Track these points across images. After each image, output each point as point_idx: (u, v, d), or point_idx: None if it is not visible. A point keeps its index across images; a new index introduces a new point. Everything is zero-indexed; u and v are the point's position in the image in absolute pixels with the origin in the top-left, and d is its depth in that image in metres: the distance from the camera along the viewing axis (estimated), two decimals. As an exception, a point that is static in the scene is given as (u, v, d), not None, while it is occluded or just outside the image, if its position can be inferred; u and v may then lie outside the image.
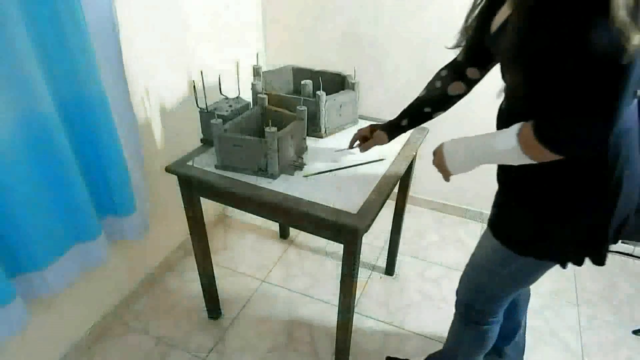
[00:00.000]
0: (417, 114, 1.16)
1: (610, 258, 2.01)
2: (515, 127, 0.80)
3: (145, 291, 1.79)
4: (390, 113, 1.63)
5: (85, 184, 1.24)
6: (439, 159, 0.97)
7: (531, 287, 1.06)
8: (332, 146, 1.39)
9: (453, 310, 1.23)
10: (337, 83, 1.54)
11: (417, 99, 1.17)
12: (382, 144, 1.24)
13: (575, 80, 0.70)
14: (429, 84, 1.15)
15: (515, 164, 0.84)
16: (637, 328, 1.68)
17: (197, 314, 1.70)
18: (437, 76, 1.13)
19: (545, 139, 0.75)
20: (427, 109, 1.14)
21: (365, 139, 1.27)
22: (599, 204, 0.85)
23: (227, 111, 1.33)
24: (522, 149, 0.79)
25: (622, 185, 0.83)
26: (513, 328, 1.33)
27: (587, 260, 0.93)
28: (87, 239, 1.30)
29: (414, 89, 2.09)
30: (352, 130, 1.50)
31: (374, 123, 1.28)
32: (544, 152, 0.76)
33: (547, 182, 0.87)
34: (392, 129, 1.22)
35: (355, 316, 1.58)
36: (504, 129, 0.83)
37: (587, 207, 0.86)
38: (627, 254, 2.06)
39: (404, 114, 1.19)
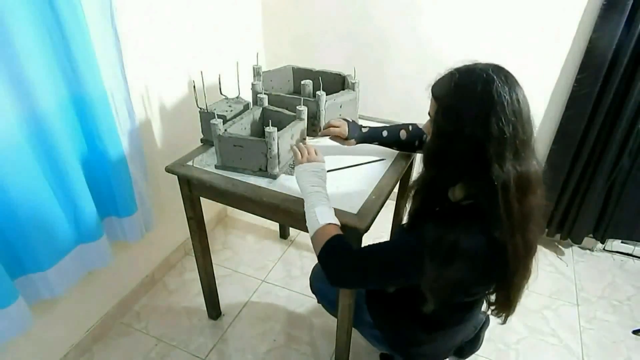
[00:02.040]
0: (386, 143, 1.32)
1: (610, 258, 2.03)
2: (328, 218, 0.97)
3: (145, 291, 1.79)
4: (391, 113, 1.63)
5: (86, 185, 1.24)
6: (302, 159, 1.08)
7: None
8: (332, 146, 1.39)
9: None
10: (337, 83, 1.54)
11: (393, 134, 1.30)
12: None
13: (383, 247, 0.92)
14: (406, 130, 1.30)
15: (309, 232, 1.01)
16: (637, 328, 1.68)
17: (197, 313, 1.70)
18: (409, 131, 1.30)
19: (324, 251, 0.94)
20: (394, 147, 1.34)
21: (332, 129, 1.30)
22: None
23: (227, 111, 1.33)
24: (313, 236, 0.97)
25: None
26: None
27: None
28: (89, 240, 1.30)
29: (413, 89, 2.09)
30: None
31: (349, 119, 1.30)
32: (317, 250, 0.95)
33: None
34: (363, 141, 1.31)
35: (355, 316, 1.58)
36: (331, 208, 1.00)
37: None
38: (627, 254, 2.06)
39: (379, 137, 1.31)
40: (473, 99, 0.78)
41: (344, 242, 0.95)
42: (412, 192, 0.95)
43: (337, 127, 1.26)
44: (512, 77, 0.80)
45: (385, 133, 1.30)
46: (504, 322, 0.99)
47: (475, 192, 0.83)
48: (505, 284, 0.88)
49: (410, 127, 1.29)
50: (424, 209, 0.94)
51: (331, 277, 0.95)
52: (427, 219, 0.87)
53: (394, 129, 1.30)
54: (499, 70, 0.80)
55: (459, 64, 0.84)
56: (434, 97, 0.87)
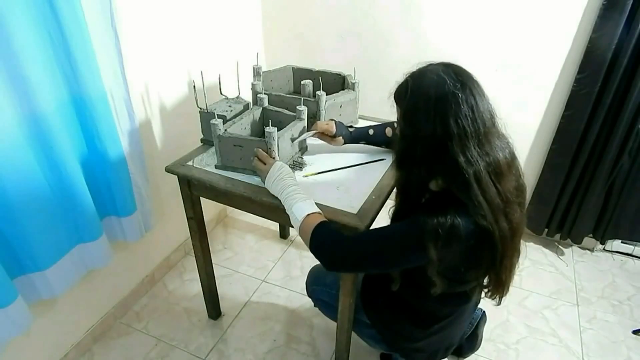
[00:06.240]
0: (374, 141, 1.34)
1: (610, 258, 2.03)
2: (305, 210, 0.98)
3: (145, 291, 1.79)
4: (391, 113, 1.62)
5: (86, 185, 1.24)
6: (263, 169, 1.11)
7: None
8: (333, 147, 1.39)
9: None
10: (337, 83, 1.54)
11: (379, 132, 1.31)
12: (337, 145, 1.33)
13: (380, 232, 0.93)
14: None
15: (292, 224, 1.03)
16: (637, 328, 1.68)
17: (197, 314, 1.70)
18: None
19: (313, 240, 0.96)
20: (383, 145, 1.35)
21: (322, 132, 1.30)
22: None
23: (227, 111, 1.33)
24: (299, 233, 1.00)
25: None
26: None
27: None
28: (88, 240, 1.30)
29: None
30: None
31: (337, 121, 1.31)
32: (307, 242, 0.97)
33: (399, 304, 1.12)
34: (351, 141, 1.32)
35: (355, 316, 1.57)
36: (307, 200, 1.01)
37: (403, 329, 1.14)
38: (627, 254, 2.06)
39: (366, 136, 1.32)
40: (428, 102, 0.81)
41: (329, 227, 0.96)
42: (395, 193, 0.99)
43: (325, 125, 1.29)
44: (464, 72, 0.83)
45: (371, 132, 1.32)
46: (499, 303, 1.00)
47: (451, 186, 0.85)
48: (496, 266, 0.90)
49: (396, 124, 1.30)
50: (409, 204, 0.96)
51: (326, 264, 0.97)
52: (414, 211, 0.88)
53: (380, 127, 1.32)
54: (448, 68, 0.82)
55: (414, 68, 0.88)
56: (396, 103, 0.91)
